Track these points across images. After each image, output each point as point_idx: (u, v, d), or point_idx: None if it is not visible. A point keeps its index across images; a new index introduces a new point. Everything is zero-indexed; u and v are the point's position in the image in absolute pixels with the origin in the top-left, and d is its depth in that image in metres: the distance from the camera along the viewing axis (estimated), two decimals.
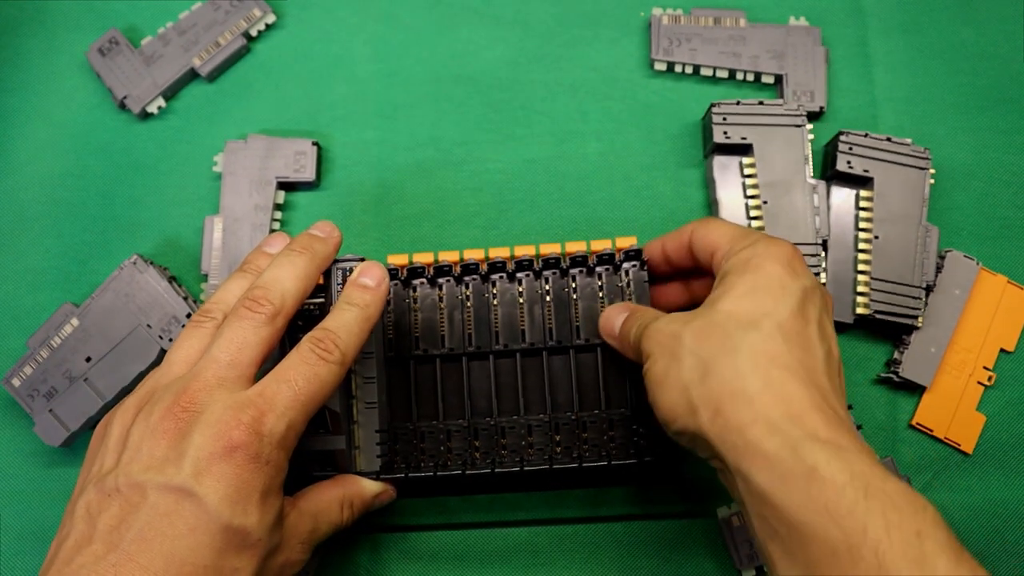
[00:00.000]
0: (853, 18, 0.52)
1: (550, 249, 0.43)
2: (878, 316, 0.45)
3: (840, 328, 0.47)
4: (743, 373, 0.32)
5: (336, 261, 0.40)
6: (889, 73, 0.51)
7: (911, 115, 0.50)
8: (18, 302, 0.48)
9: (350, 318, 0.36)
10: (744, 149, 0.47)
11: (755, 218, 0.46)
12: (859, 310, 0.46)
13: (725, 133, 0.47)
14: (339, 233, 0.39)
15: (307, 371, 0.34)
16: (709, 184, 0.49)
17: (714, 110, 0.47)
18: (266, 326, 0.35)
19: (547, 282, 0.43)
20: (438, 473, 0.40)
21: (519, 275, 0.43)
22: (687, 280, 0.43)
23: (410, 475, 0.40)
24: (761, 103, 0.47)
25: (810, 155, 0.47)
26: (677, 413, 0.34)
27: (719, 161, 0.48)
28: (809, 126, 0.47)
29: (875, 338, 0.48)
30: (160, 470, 0.31)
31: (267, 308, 0.35)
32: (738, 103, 0.47)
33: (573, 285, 0.43)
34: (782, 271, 0.35)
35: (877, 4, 0.52)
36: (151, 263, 0.46)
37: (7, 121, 0.51)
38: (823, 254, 0.46)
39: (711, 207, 0.49)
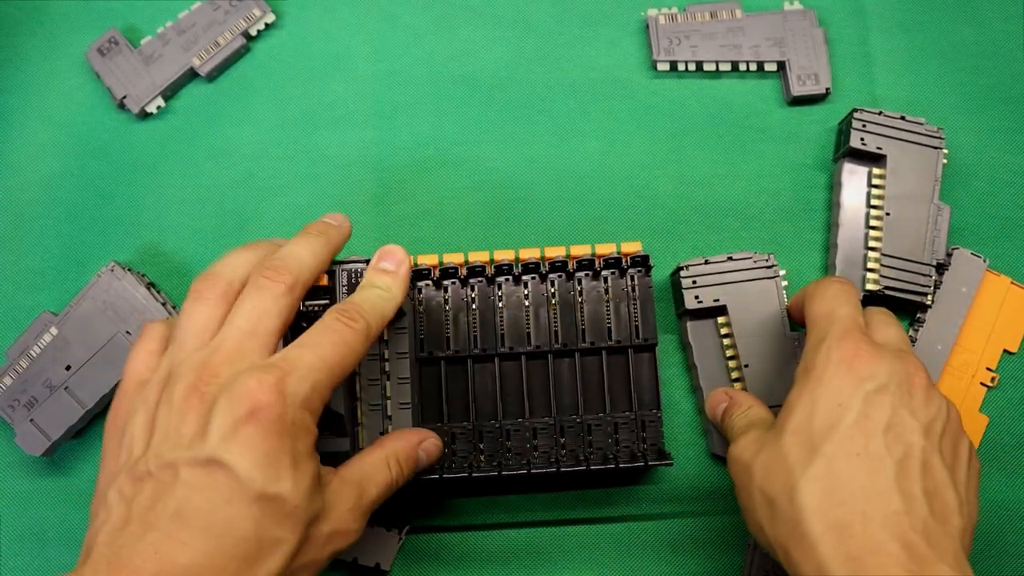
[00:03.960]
0: (854, 17, 0.52)
1: (556, 252, 0.43)
2: (888, 292, 0.46)
3: None
4: (804, 515, 0.32)
5: (340, 263, 0.40)
6: (890, 72, 0.51)
7: (913, 114, 0.50)
8: (17, 303, 0.48)
9: (374, 295, 0.36)
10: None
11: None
12: (869, 286, 0.46)
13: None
14: (350, 224, 0.39)
15: (332, 335, 0.33)
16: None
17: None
18: (286, 296, 0.34)
19: (553, 285, 0.43)
20: (444, 476, 0.40)
21: (525, 278, 0.43)
22: None
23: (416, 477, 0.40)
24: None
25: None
26: (760, 542, 0.36)
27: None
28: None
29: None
30: (189, 446, 0.30)
31: (286, 277, 0.34)
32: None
33: (579, 288, 0.43)
34: (842, 382, 0.34)
35: (878, 3, 0.52)
36: (129, 269, 0.46)
37: (6, 121, 0.51)
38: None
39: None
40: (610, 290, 0.43)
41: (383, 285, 0.37)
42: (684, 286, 0.45)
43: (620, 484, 0.46)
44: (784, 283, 0.45)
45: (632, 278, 0.43)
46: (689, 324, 0.46)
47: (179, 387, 0.32)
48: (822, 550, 0.31)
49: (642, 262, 0.42)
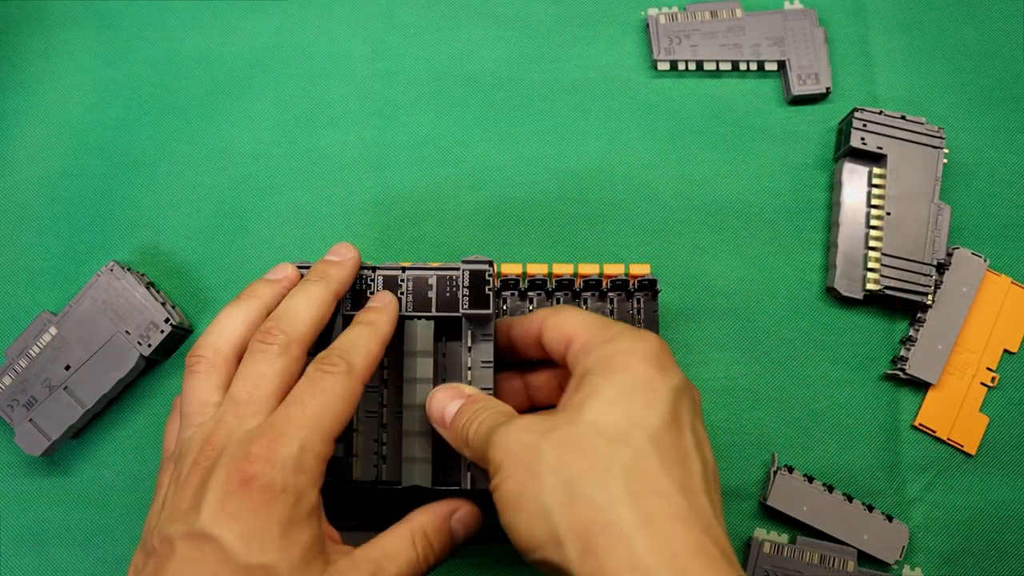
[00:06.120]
0: (855, 17, 0.52)
1: (563, 269, 0.43)
2: (888, 292, 0.46)
3: (850, 304, 0.47)
4: (616, 500, 0.29)
5: (374, 269, 0.40)
6: (890, 72, 0.51)
7: (913, 114, 0.50)
8: (17, 302, 0.48)
9: (354, 334, 0.36)
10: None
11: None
12: (869, 286, 0.46)
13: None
14: (356, 253, 0.39)
15: (312, 388, 0.33)
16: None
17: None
18: (280, 357, 0.34)
19: (558, 303, 0.43)
20: (434, 487, 0.39)
21: (531, 294, 0.43)
22: (524, 372, 0.41)
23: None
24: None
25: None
26: (536, 542, 0.30)
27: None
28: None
29: (882, 317, 0.48)
30: (184, 520, 0.31)
31: (279, 338, 0.35)
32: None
33: (584, 308, 0.43)
34: (651, 371, 0.32)
35: (878, 2, 0.52)
36: (128, 269, 0.45)
37: (5, 120, 0.51)
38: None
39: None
40: (615, 312, 0.43)
41: (366, 320, 0.37)
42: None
43: None
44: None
45: (639, 301, 0.43)
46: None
47: (185, 463, 0.33)
48: (638, 546, 0.28)
49: (649, 286, 0.42)
